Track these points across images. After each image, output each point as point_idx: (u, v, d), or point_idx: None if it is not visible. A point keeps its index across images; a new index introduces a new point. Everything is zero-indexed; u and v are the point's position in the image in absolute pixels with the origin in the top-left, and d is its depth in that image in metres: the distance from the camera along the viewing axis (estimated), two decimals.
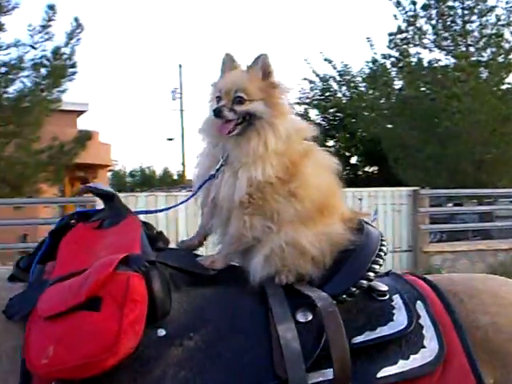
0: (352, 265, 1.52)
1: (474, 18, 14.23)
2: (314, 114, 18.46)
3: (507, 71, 14.05)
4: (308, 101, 18.45)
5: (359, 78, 17.85)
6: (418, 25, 14.54)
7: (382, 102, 15.70)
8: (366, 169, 18.29)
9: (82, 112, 22.33)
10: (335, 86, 18.18)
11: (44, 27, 11.36)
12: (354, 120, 17.07)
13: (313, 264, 1.52)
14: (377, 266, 1.51)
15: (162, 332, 1.37)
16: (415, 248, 10.53)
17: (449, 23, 14.34)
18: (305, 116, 18.28)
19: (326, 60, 17.83)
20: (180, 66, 35.78)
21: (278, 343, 1.36)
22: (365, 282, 1.48)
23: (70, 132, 13.34)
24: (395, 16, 14.58)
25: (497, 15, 14.14)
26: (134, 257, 1.39)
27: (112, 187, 1.79)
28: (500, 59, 13.96)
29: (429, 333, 1.44)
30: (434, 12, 14.42)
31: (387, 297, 1.51)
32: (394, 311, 1.47)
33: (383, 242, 1.58)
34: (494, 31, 14.08)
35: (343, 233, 1.57)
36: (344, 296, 1.46)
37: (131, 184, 41.87)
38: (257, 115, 1.56)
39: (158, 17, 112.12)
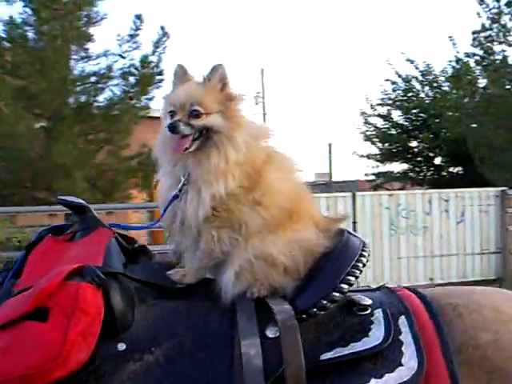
0: (324, 276, 1.44)
1: None
2: (396, 114, 18.24)
3: None
4: (390, 102, 18.29)
5: (442, 78, 17.57)
6: (502, 22, 14.21)
7: (466, 101, 15.38)
8: (451, 169, 17.94)
9: None
10: (418, 87, 17.90)
11: (132, 36, 11.41)
12: (437, 120, 16.78)
13: (286, 274, 1.46)
14: (352, 278, 1.43)
15: (122, 346, 1.33)
16: (504, 250, 10.31)
17: None
18: (388, 117, 18.28)
19: (408, 60, 17.64)
20: (262, 70, 36.16)
21: (239, 360, 1.31)
22: (337, 294, 1.40)
23: None
24: (478, 14, 14.27)
25: None
26: (87, 268, 1.35)
27: None
28: None
29: (408, 350, 1.36)
30: None
31: (368, 311, 1.43)
32: (372, 326, 1.40)
33: (363, 252, 1.49)
34: None
35: (317, 238, 1.49)
36: (314, 310, 1.39)
37: None
38: (214, 129, 1.49)
39: (240, 22, 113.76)
